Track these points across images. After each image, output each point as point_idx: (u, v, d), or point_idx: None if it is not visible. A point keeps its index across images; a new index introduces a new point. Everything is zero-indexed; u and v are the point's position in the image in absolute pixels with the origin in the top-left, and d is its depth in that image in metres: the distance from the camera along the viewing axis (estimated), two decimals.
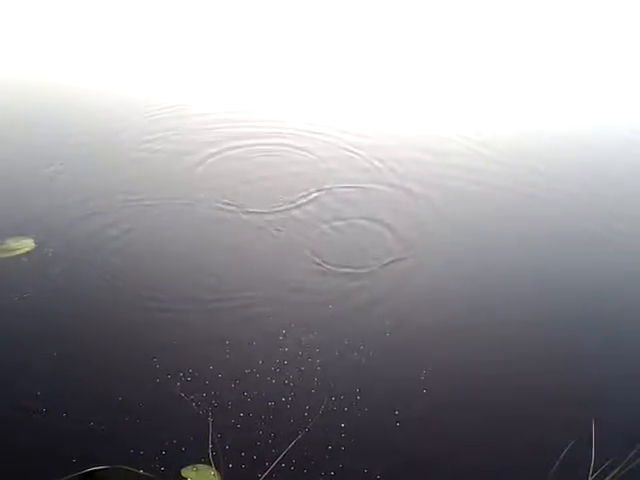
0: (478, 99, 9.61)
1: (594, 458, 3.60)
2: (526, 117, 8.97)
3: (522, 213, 6.27)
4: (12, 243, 5.29)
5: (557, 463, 3.59)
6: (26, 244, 5.28)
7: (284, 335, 4.47)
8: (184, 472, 3.52)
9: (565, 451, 3.62)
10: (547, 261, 5.49)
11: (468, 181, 6.75)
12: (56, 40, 11.31)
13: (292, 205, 6.03)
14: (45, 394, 3.93)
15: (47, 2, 13.45)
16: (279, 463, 3.55)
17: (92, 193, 6.10)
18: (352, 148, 7.35)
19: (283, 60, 10.87)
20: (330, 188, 6.39)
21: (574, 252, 5.66)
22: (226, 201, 6.04)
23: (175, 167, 6.68)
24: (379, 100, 9.28)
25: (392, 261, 5.32)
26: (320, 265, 5.21)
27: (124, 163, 6.74)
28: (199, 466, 3.55)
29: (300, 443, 3.65)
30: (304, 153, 7.16)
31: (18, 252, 5.20)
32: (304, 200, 6.13)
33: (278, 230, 5.63)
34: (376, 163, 6.98)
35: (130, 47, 11.14)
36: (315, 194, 6.24)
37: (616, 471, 3.54)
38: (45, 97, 8.52)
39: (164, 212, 5.86)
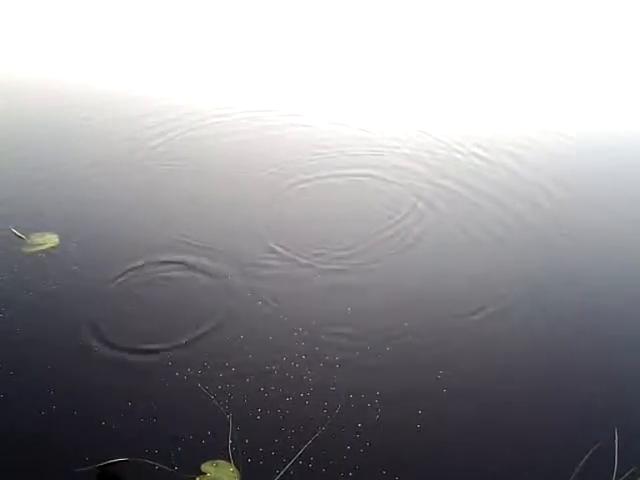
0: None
1: (616, 466, 3.56)
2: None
3: None
4: (37, 238, 5.37)
5: (577, 470, 3.55)
6: (50, 239, 5.36)
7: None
8: (204, 467, 3.54)
9: (586, 457, 3.58)
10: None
11: None
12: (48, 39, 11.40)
13: None
14: (65, 388, 3.99)
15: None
16: (297, 460, 3.56)
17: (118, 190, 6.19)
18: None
19: (287, 60, 10.85)
20: None
21: None
22: None
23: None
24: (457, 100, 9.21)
25: None
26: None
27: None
28: (218, 462, 3.57)
29: (319, 440, 3.66)
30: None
31: (42, 247, 5.27)
32: None
33: None
34: None
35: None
36: None
37: None
38: (84, 94, 8.64)
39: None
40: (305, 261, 5.21)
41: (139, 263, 5.12)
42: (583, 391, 4.13)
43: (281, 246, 5.38)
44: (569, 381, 4.21)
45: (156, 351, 4.28)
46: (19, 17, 12.40)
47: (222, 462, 3.57)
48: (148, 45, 11.34)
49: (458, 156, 7.22)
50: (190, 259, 5.18)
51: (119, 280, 4.93)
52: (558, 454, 3.70)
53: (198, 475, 3.50)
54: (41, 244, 5.30)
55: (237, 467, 3.54)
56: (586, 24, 13.26)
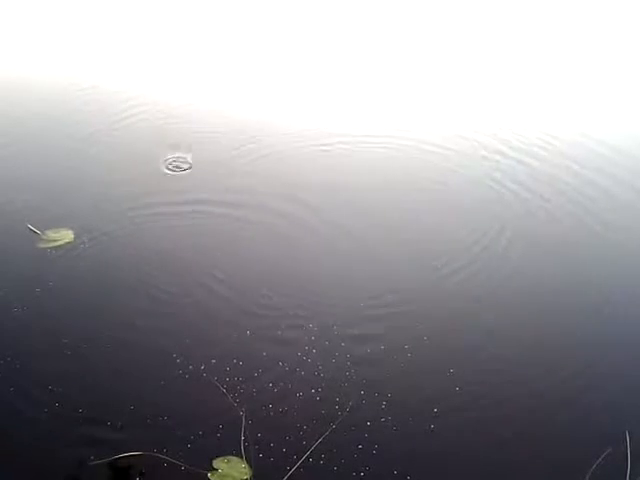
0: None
1: (629, 470, 3.54)
2: None
3: None
4: (52, 234, 5.42)
5: (590, 473, 3.54)
6: (66, 235, 5.41)
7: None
8: (215, 463, 3.56)
9: (598, 461, 3.57)
10: None
11: None
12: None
13: None
14: (71, 380, 4.04)
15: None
16: (308, 458, 3.57)
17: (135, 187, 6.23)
18: None
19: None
20: None
21: None
22: None
23: None
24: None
25: None
26: None
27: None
28: (230, 458, 3.59)
29: (330, 438, 3.68)
30: None
31: (57, 243, 5.33)
32: None
33: None
34: None
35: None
36: None
37: None
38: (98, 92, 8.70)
39: None
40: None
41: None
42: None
43: None
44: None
45: (171, 347, 4.32)
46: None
47: (234, 458, 3.59)
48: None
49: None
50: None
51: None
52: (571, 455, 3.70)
53: (210, 471, 3.53)
54: (56, 240, 5.35)
55: (249, 463, 3.56)
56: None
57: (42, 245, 5.29)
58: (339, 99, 8.64)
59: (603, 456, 3.59)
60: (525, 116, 8.22)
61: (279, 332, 4.47)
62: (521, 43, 11.18)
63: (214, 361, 4.19)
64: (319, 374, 4.14)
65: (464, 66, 10.10)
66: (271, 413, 3.85)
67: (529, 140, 7.44)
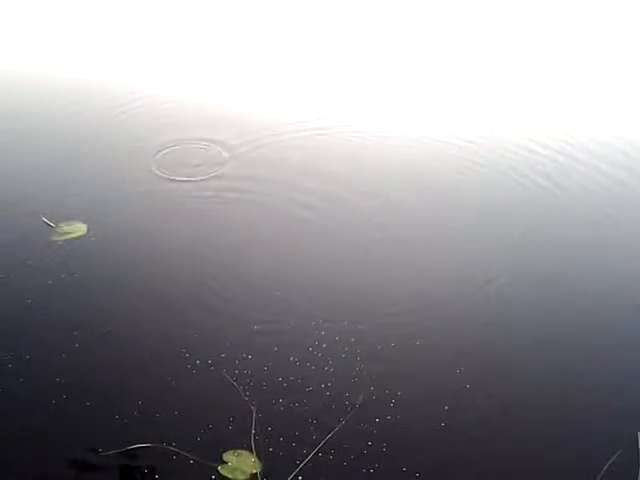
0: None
1: None
2: None
3: None
4: (65, 227, 5.46)
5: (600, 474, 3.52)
6: (79, 228, 5.45)
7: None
8: (225, 456, 3.57)
9: (610, 462, 3.54)
10: None
11: None
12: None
13: None
14: (80, 372, 4.07)
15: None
16: (317, 452, 3.58)
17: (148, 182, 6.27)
18: None
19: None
20: None
21: None
22: None
23: None
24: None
25: None
26: None
27: None
28: (240, 452, 3.60)
29: (340, 432, 3.68)
30: None
31: (70, 236, 5.36)
32: None
33: None
34: None
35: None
36: None
37: None
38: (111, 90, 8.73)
39: None
40: None
41: None
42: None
43: None
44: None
45: (182, 340, 4.34)
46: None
47: (244, 452, 3.60)
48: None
49: None
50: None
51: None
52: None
53: (220, 464, 3.54)
54: (70, 233, 5.39)
55: (259, 457, 3.57)
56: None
57: (55, 238, 5.32)
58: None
59: (614, 458, 3.57)
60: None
61: (288, 326, 4.48)
62: (540, 42, 11.11)
63: (226, 355, 4.21)
64: (329, 369, 4.15)
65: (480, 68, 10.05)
66: (281, 408, 3.86)
67: None
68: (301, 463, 3.52)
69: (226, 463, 3.55)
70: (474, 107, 8.28)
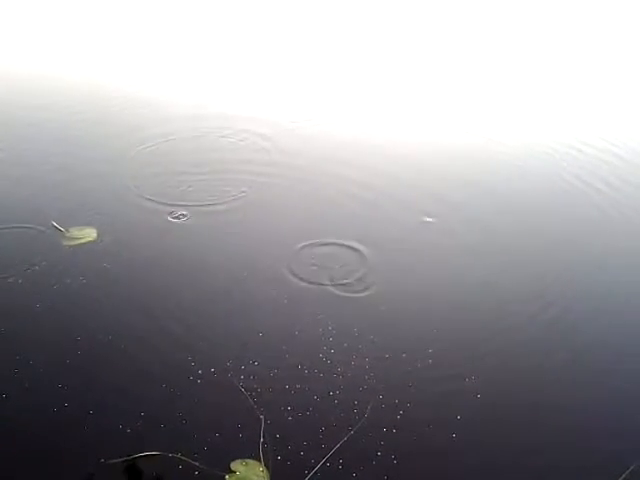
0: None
1: None
2: None
3: None
4: (75, 232, 5.47)
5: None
6: (89, 233, 5.45)
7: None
8: (233, 466, 3.54)
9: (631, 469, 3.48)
10: None
11: None
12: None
13: None
14: (86, 379, 4.05)
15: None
16: (326, 462, 3.53)
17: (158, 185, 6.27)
18: None
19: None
20: None
21: None
22: None
23: None
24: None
25: None
26: None
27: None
28: (248, 461, 3.56)
29: (349, 442, 3.63)
30: None
31: (80, 241, 5.37)
32: None
33: None
34: None
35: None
36: None
37: None
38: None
39: None
40: None
41: None
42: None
43: None
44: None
45: (191, 347, 4.31)
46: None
47: (252, 461, 3.56)
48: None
49: None
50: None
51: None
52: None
53: (228, 473, 3.50)
54: (80, 238, 5.39)
55: (267, 467, 3.53)
56: None
57: (65, 242, 5.33)
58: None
59: (628, 472, 3.50)
60: None
61: (297, 332, 4.44)
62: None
63: (234, 363, 4.17)
64: (338, 376, 4.10)
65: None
66: (290, 417, 3.82)
67: None
68: (310, 473, 3.48)
69: (234, 472, 3.51)
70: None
